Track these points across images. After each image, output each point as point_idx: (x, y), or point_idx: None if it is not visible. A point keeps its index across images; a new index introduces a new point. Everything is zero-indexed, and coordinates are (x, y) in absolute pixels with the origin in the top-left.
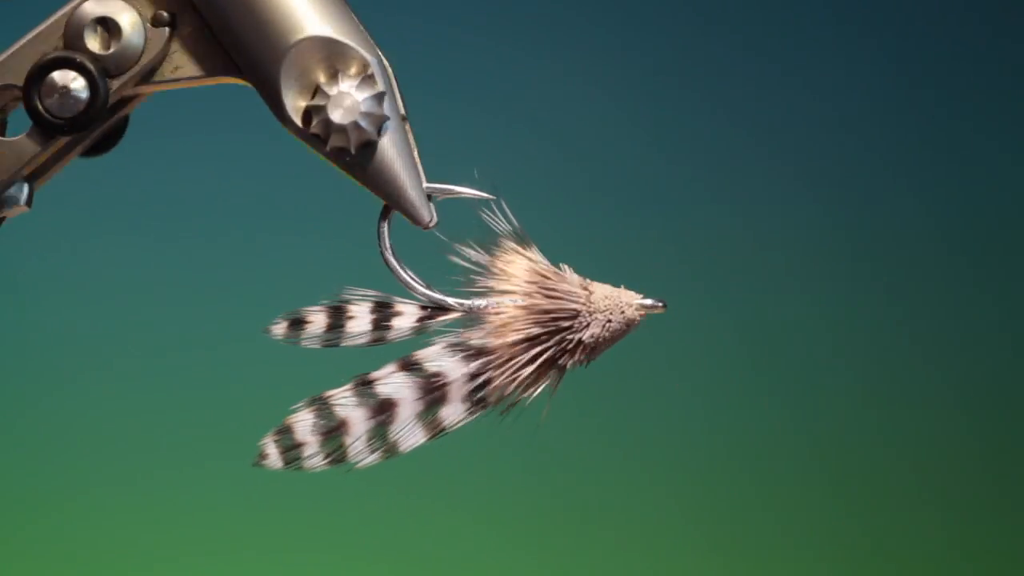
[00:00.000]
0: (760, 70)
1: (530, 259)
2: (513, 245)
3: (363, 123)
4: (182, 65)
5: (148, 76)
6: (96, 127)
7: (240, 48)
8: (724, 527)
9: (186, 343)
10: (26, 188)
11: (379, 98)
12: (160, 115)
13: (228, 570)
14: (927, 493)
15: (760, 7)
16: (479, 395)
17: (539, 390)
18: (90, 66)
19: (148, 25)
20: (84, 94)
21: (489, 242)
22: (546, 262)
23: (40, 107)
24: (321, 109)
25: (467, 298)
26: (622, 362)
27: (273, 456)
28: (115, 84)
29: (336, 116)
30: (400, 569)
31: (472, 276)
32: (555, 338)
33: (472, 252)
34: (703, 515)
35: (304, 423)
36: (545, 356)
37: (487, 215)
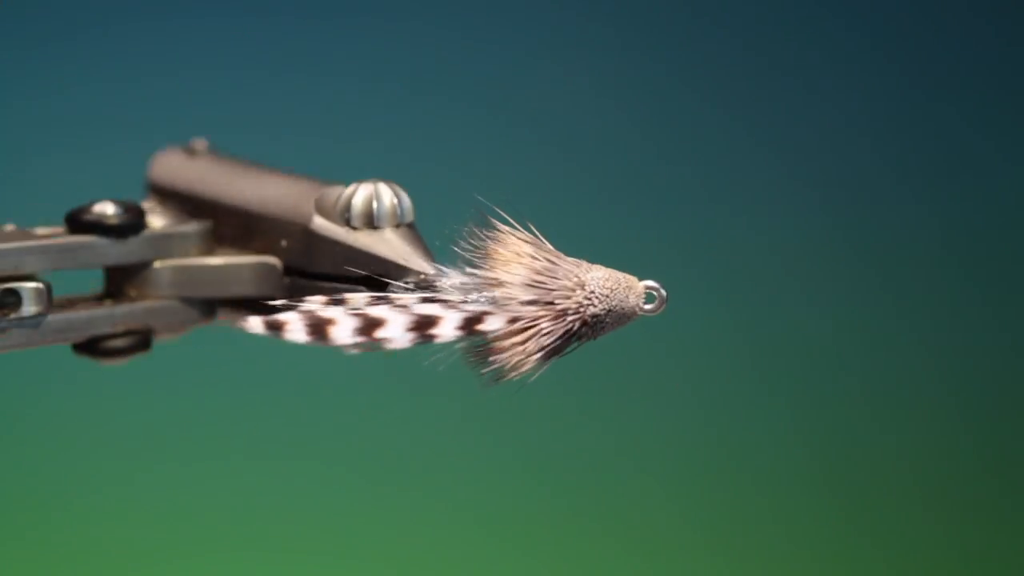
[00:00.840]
0: (763, 70)
1: (526, 236)
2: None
3: (388, 195)
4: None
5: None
6: (125, 243)
7: (264, 239)
8: (725, 529)
9: (186, 342)
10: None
11: (401, 191)
12: (160, 115)
13: (226, 569)
14: (929, 497)
15: (763, 7)
16: (474, 325)
17: (541, 345)
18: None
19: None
20: (117, 219)
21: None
22: (544, 243)
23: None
24: (348, 194)
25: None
26: (623, 362)
27: (255, 323)
28: (146, 233)
29: (361, 197)
30: (400, 569)
31: (468, 249)
32: (557, 272)
33: (472, 229)
34: (704, 517)
35: (293, 315)
36: (544, 287)
37: (483, 209)
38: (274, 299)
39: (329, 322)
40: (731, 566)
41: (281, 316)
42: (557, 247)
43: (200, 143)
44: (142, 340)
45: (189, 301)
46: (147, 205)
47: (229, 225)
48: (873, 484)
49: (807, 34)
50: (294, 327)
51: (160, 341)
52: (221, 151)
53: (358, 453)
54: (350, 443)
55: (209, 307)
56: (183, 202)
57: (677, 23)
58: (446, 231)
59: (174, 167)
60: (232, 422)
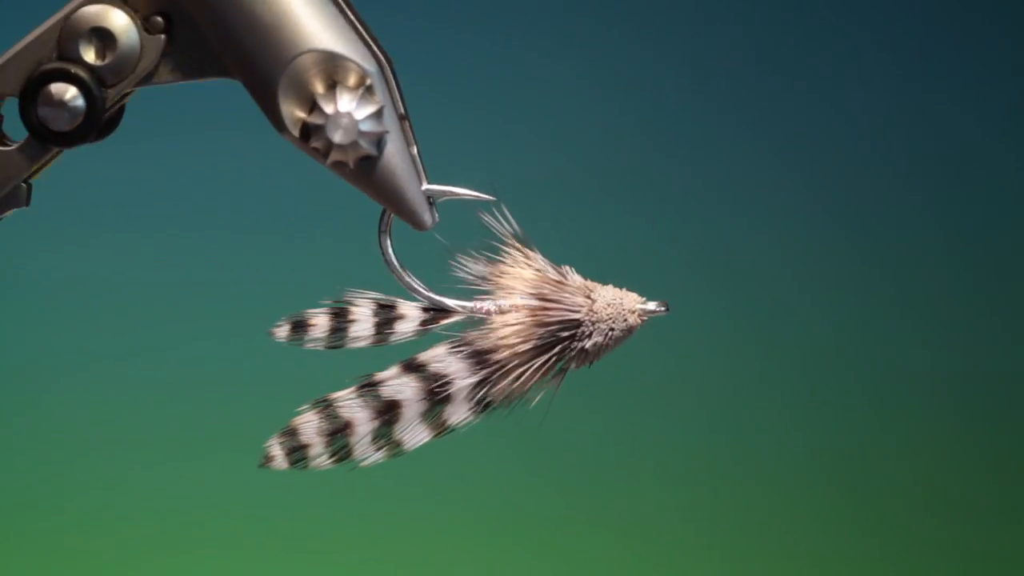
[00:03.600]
0: (765, 71)
1: (531, 265)
2: (514, 250)
3: (363, 142)
4: (176, 68)
5: (143, 82)
6: (93, 137)
7: (237, 58)
8: (727, 531)
9: (188, 345)
10: (23, 185)
11: (378, 114)
12: (160, 113)
13: (229, 569)
14: (931, 499)
15: (766, 8)
16: (483, 396)
17: (542, 390)
18: (86, 78)
19: (144, 33)
20: (80, 106)
21: (490, 248)
22: (548, 266)
23: (36, 120)
24: (320, 128)
25: (469, 300)
26: (625, 364)
27: (279, 458)
28: (111, 93)
29: (336, 137)
30: (401, 569)
31: (473, 285)
32: (557, 347)
33: (472, 261)
34: (707, 519)
35: (309, 424)
36: (548, 363)
37: (488, 218)
38: None
39: (347, 427)
40: (734, 566)
41: (302, 436)
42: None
43: None
44: (118, 112)
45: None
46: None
47: (213, 27)
48: (875, 485)
49: (809, 35)
50: (315, 451)
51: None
52: None
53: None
54: None
55: None
56: None
57: (681, 25)
58: (449, 229)
59: None
60: (232, 420)
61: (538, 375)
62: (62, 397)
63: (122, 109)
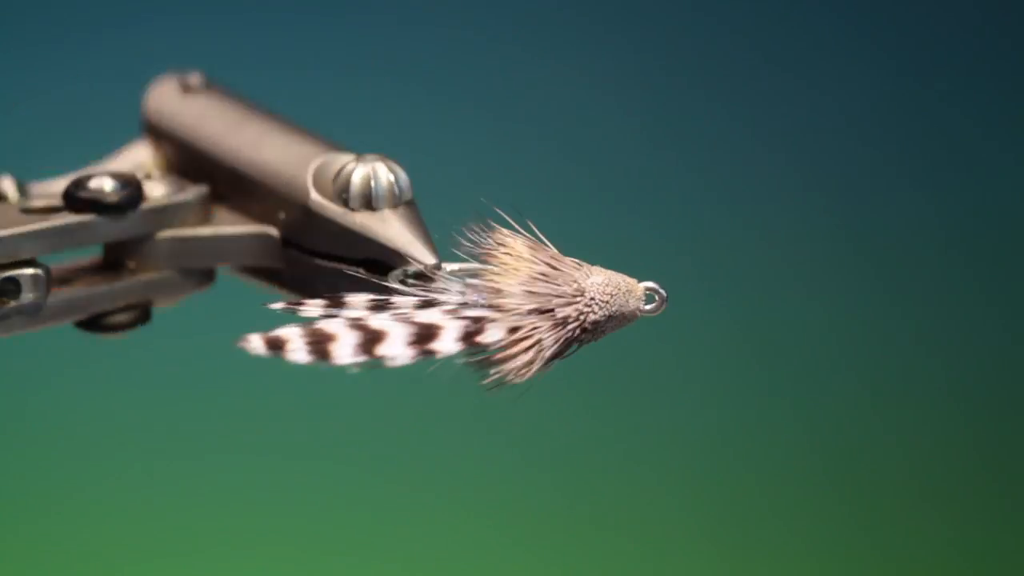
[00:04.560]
0: (764, 69)
1: (527, 241)
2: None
3: (385, 174)
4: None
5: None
6: (124, 219)
7: (262, 206)
8: (727, 528)
9: (187, 339)
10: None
11: (399, 169)
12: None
13: (228, 566)
14: (931, 498)
15: (765, 5)
16: (474, 337)
17: (542, 353)
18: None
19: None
20: (115, 196)
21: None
22: (544, 244)
23: (71, 190)
24: (343, 171)
25: (463, 295)
26: (625, 361)
27: (256, 343)
28: (138, 210)
29: (358, 175)
30: (401, 567)
31: (469, 251)
32: (558, 279)
33: (472, 231)
34: (707, 516)
35: (293, 331)
36: (544, 294)
37: (485, 211)
38: (273, 269)
39: (330, 338)
40: (733, 565)
41: (282, 333)
42: (557, 245)
43: (195, 77)
44: (142, 314)
45: (188, 272)
46: (142, 153)
47: (226, 184)
48: (874, 483)
49: (812, 33)
50: (295, 345)
51: (158, 310)
52: (217, 85)
53: (359, 452)
54: (351, 442)
55: (207, 275)
56: (179, 149)
57: (678, 22)
58: (446, 227)
59: (170, 106)
60: (235, 420)
61: (535, 311)
62: (57, 392)
63: (148, 314)
